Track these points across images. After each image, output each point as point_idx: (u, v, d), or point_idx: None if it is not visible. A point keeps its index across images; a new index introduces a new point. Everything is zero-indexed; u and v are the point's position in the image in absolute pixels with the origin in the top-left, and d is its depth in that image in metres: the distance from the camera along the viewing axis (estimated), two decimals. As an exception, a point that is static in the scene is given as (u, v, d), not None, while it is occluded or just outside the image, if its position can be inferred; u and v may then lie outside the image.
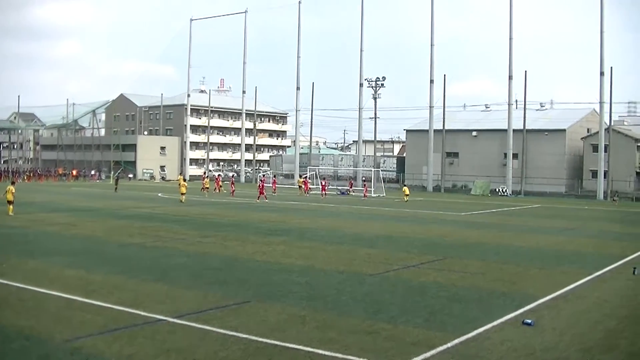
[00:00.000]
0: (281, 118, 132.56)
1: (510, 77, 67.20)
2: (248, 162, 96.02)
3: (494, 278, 15.67)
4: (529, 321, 10.93)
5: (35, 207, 35.32)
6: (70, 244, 20.65)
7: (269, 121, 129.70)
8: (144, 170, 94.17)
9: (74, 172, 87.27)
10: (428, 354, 9.14)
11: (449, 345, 9.59)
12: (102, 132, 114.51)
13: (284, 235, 23.98)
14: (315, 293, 13.37)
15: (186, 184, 45.14)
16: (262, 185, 47.27)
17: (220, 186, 58.58)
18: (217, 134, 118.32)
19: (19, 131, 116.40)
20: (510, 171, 67.15)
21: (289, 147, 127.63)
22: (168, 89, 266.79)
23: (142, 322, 10.61)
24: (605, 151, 61.75)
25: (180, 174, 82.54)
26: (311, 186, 60.60)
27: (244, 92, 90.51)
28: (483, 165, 73.62)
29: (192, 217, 31.61)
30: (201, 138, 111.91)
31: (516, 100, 70.27)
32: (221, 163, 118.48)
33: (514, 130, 67.25)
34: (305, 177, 62.91)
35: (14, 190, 30.01)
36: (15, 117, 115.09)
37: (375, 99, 78.66)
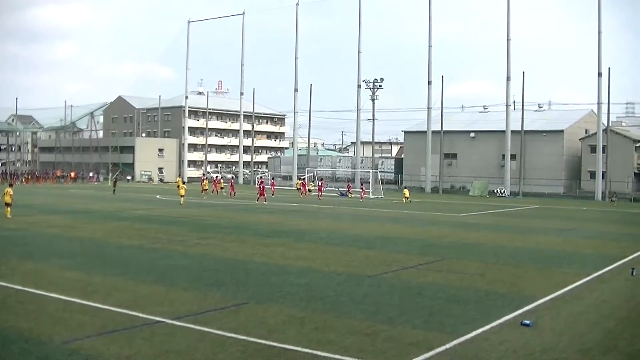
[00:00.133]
0: (279, 120, 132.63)
1: (508, 78, 67.29)
2: (246, 164, 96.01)
3: (493, 279, 15.68)
4: (528, 322, 10.94)
5: (33, 209, 35.29)
6: (69, 246, 20.64)
7: (267, 123, 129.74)
8: (142, 172, 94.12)
9: (72, 174, 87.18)
10: (427, 355, 9.15)
11: (447, 346, 9.59)
12: (100, 134, 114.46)
13: (283, 237, 23.98)
14: (314, 294, 13.37)
15: (185, 186, 45.16)
16: (263, 187, 47.26)
17: (222, 187, 58.55)
18: (215, 135, 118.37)
19: (17, 133, 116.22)
20: (508, 172, 67.18)
21: (287, 148, 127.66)
22: (166, 91, 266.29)
23: (141, 323, 10.61)
24: (604, 152, 61.82)
25: (179, 176, 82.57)
26: (309, 188, 60.53)
27: (241, 93, 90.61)
28: (481, 166, 73.68)
29: (191, 218, 31.59)
30: (199, 140, 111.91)
31: (514, 102, 70.48)
32: (219, 165, 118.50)
33: (512, 132, 67.30)
34: (304, 178, 62.91)
35: (11, 193, 29.99)
36: (13, 119, 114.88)
37: (373, 100, 78.85)
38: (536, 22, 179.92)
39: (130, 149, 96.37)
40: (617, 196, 57.82)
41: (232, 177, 79.11)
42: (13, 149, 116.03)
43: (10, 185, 31.76)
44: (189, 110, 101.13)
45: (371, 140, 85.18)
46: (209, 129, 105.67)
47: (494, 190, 66.20)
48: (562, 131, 71.42)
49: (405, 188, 54.66)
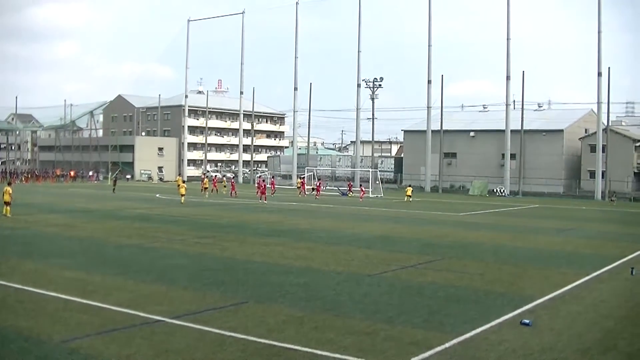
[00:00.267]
0: (279, 119, 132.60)
1: (507, 78, 67.29)
2: (246, 163, 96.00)
3: (492, 278, 15.69)
4: (527, 321, 10.95)
5: (33, 208, 35.28)
6: (69, 245, 20.64)
7: (266, 122, 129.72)
8: (142, 171, 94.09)
9: (72, 173, 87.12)
10: (426, 354, 9.15)
11: (447, 345, 9.60)
12: (100, 133, 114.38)
13: (282, 236, 23.99)
14: (314, 294, 13.37)
15: (185, 185, 45.19)
16: (264, 186, 47.21)
17: (225, 185, 58.56)
18: (215, 134, 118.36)
19: (17, 132, 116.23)
20: (508, 171, 67.19)
21: (286, 147, 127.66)
22: (166, 90, 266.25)
23: (140, 322, 10.61)
24: (603, 151, 61.80)
25: (179, 174, 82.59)
26: (308, 187, 60.47)
27: (241, 92, 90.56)
28: (481, 165, 73.68)
29: (190, 218, 31.60)
30: (199, 139, 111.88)
31: (514, 101, 70.49)
32: (219, 164, 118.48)
33: (511, 131, 67.29)
34: (304, 177, 62.91)
35: (10, 191, 29.95)
36: (12, 118, 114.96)
37: (372, 99, 78.78)
38: (536, 21, 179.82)
39: (130, 148, 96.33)
40: (617, 196, 57.83)
41: (233, 177, 79.15)
42: (13, 147, 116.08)
43: (9, 184, 31.73)
44: (188, 109, 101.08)
45: (371, 139, 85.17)
46: (209, 128, 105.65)
47: (493, 190, 66.21)
48: (561, 130, 71.44)
49: (409, 186, 54.70)
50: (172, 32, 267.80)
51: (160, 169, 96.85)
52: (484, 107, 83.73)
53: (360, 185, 58.59)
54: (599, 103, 61.98)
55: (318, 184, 56.50)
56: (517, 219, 35.19)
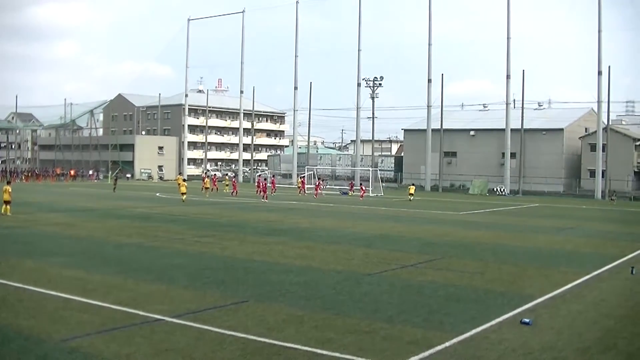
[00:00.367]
0: (279, 118, 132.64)
1: (508, 77, 67.29)
2: (246, 162, 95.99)
3: (492, 278, 15.69)
4: (527, 321, 10.94)
5: (33, 207, 35.27)
6: (69, 244, 20.64)
7: (266, 121, 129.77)
8: (142, 170, 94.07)
9: (72, 172, 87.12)
10: (426, 354, 9.15)
11: (447, 344, 9.60)
12: (100, 132, 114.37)
13: (282, 235, 23.99)
14: (313, 293, 13.37)
15: (186, 184, 45.20)
16: (265, 185, 47.15)
17: (227, 185, 58.55)
18: (215, 133, 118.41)
19: (17, 131, 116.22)
20: (508, 170, 67.21)
21: (286, 146, 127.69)
22: (166, 89, 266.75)
23: (140, 321, 10.61)
24: (603, 150, 61.81)
25: (180, 173, 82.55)
26: (308, 186, 60.48)
27: (241, 91, 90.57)
28: (481, 164, 73.69)
29: (190, 216, 31.60)
30: (199, 138, 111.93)
31: (514, 100, 70.49)
32: (219, 163, 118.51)
33: (511, 130, 67.30)
34: (304, 176, 62.92)
35: (10, 190, 29.92)
36: (13, 117, 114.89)
37: (373, 98, 78.75)
38: (536, 20, 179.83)
39: (130, 147, 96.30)
40: (617, 195, 57.84)
41: (235, 176, 79.21)
42: (13, 146, 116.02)
43: (9, 183, 31.68)
44: (188, 108, 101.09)
45: (371, 138, 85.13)
46: (209, 127, 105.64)
47: (493, 189, 66.24)
48: (562, 129, 71.44)
49: (412, 185, 54.79)
50: (172, 31, 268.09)
51: (160, 168, 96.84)
52: (484, 106, 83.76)
53: (361, 184, 58.56)
54: (599, 102, 61.97)
55: (317, 183, 56.49)
56: (517, 218, 35.19)
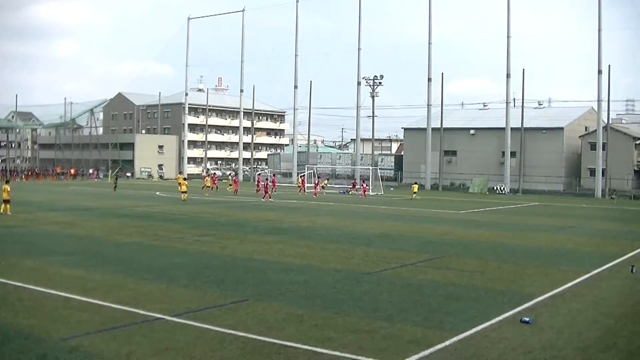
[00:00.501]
0: (279, 117, 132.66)
1: (508, 76, 67.24)
2: (246, 161, 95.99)
3: (492, 276, 15.69)
4: (527, 319, 10.95)
5: (33, 206, 35.26)
6: (69, 243, 20.63)
7: (266, 120, 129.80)
8: (142, 169, 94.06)
9: (72, 171, 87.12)
10: (426, 352, 9.15)
11: (446, 343, 9.60)
12: (100, 131, 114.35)
13: (282, 234, 23.99)
14: (313, 292, 13.37)
15: (186, 182, 45.22)
16: (266, 185, 47.15)
17: (230, 185, 58.50)
18: (215, 132, 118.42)
19: (17, 130, 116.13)
20: (508, 169, 67.18)
21: (286, 145, 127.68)
22: (166, 87, 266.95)
23: (140, 320, 10.62)
24: (603, 149, 61.79)
25: (180, 172, 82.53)
26: (308, 185, 60.44)
27: (241, 90, 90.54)
28: (481, 163, 73.68)
29: (190, 216, 31.60)
30: (199, 137, 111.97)
31: (514, 99, 70.41)
32: (219, 162, 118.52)
33: (512, 129, 67.27)
34: (303, 175, 62.91)
35: (9, 189, 29.87)
36: (13, 116, 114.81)
37: (373, 97, 78.71)
38: (536, 19, 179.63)
39: (130, 146, 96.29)
40: (617, 193, 57.82)
41: (236, 174, 79.24)
42: (13, 145, 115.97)
43: (7, 182, 31.61)
44: (189, 107, 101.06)
45: (371, 137, 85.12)
46: (209, 126, 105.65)
47: (493, 188, 66.22)
48: (562, 128, 71.43)
49: (414, 183, 54.82)
50: (172, 30, 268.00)
51: (160, 166, 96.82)
52: (484, 105, 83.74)
53: (363, 183, 58.55)
54: (599, 101, 61.94)
55: (316, 182, 56.45)
56: (517, 217, 35.19)
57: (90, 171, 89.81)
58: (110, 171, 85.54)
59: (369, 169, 68.19)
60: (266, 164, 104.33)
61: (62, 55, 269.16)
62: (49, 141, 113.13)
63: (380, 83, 78.33)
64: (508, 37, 66.80)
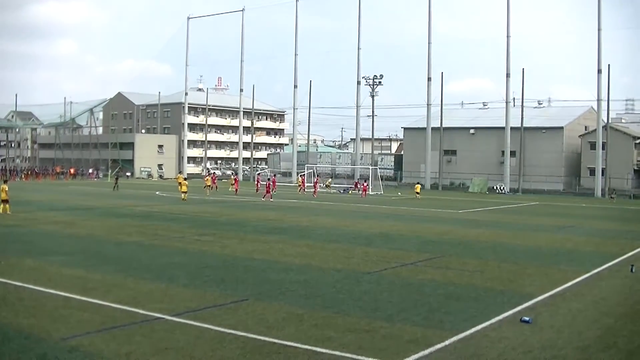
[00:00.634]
0: (279, 116, 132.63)
1: (507, 75, 67.25)
2: (246, 161, 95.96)
3: (492, 276, 15.69)
4: (527, 319, 10.95)
5: (33, 205, 35.24)
6: (68, 242, 20.63)
7: (266, 119, 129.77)
8: (142, 169, 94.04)
9: (72, 171, 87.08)
10: (426, 352, 9.15)
11: (446, 343, 9.60)
12: (100, 130, 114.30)
13: (282, 234, 23.99)
14: (313, 291, 13.37)
15: (187, 182, 45.21)
16: (268, 184, 47.13)
17: (232, 184, 58.38)
18: (215, 132, 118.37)
19: (17, 130, 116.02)
20: (507, 169, 67.19)
21: (286, 145, 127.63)
22: (165, 87, 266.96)
23: (140, 320, 10.62)
24: (603, 149, 61.81)
25: (180, 172, 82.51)
26: (308, 184, 60.43)
27: (241, 90, 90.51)
28: (481, 163, 73.68)
29: (190, 215, 31.60)
30: (199, 136, 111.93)
31: (514, 98, 70.48)
32: (219, 161, 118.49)
33: (511, 128, 67.28)
34: (303, 175, 62.92)
35: (7, 189, 29.82)
36: (12, 116, 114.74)
37: (372, 96, 78.66)
38: (536, 19, 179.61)
39: (130, 146, 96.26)
40: (617, 193, 57.85)
41: (237, 174, 79.27)
42: (13, 145, 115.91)
43: (5, 182, 31.56)
44: (188, 107, 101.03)
45: (371, 136, 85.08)
46: (209, 126, 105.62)
47: (493, 187, 66.23)
48: (561, 128, 71.44)
49: (417, 183, 54.88)
50: (171, 29, 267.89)
51: (160, 166, 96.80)
52: (484, 105, 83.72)
53: (364, 182, 58.55)
54: (598, 100, 61.96)
55: (315, 182, 56.41)
56: (517, 217, 35.20)
57: (90, 171, 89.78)
58: (110, 171, 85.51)
59: (368, 168, 68.18)
60: (266, 164, 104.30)
61: (62, 54, 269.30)
62: (48, 141, 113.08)
63: (380, 82, 78.29)
64: (508, 36, 66.84)
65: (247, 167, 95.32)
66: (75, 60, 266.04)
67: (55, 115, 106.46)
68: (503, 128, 67.77)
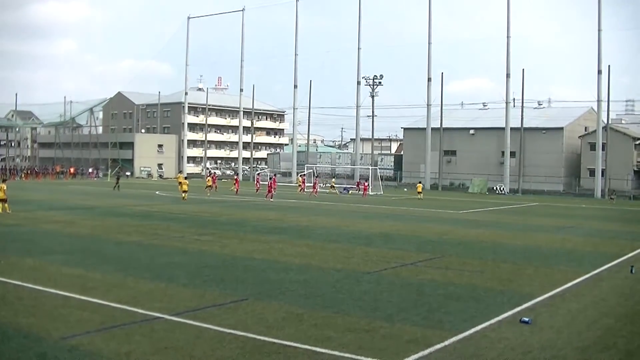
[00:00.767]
0: (279, 116, 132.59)
1: (507, 76, 67.28)
2: (245, 160, 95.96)
3: (492, 276, 15.69)
4: (527, 319, 10.95)
5: (32, 205, 35.22)
6: (68, 242, 20.62)
7: (266, 119, 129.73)
8: (142, 168, 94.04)
9: (72, 170, 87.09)
10: (425, 352, 9.15)
11: (446, 343, 9.60)
12: (100, 130, 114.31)
13: (282, 234, 23.99)
14: (313, 291, 13.37)
15: (187, 182, 45.21)
16: (269, 184, 47.12)
17: (234, 183, 58.31)
18: (215, 132, 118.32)
19: (17, 129, 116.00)
20: (507, 169, 67.21)
21: (286, 145, 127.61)
22: (165, 87, 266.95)
23: (140, 319, 10.61)
24: (603, 150, 61.82)
25: (180, 171, 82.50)
26: (308, 184, 60.42)
27: (241, 90, 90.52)
28: (481, 163, 73.69)
29: (190, 215, 31.60)
30: (199, 136, 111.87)
31: (514, 99, 70.54)
32: (218, 161, 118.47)
33: (511, 129, 67.30)
34: (303, 175, 62.92)
35: (5, 188, 29.77)
36: (12, 115, 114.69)
37: (372, 97, 78.66)
38: (536, 19, 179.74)
39: (130, 145, 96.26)
40: (617, 194, 57.88)
41: (237, 174, 79.28)
42: (12, 144, 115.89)
43: (4, 181, 31.51)
44: (188, 106, 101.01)
45: (371, 136, 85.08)
46: (209, 125, 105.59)
47: (493, 188, 66.23)
48: (561, 128, 71.46)
49: (419, 183, 54.94)
50: (171, 29, 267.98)
51: (160, 166, 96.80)
52: (484, 105, 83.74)
53: (365, 182, 58.56)
54: (599, 101, 61.99)
55: (315, 182, 56.42)
56: (517, 217, 35.20)
57: (90, 170, 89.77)
58: (110, 170, 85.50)
59: (368, 168, 68.19)
60: (266, 164, 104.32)
61: (62, 54, 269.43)
62: (48, 140, 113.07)
63: (380, 83, 78.29)
64: (508, 37, 66.87)
65: (247, 167, 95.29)
66: (75, 60, 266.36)
67: (55, 115, 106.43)
68: (503, 128, 67.79)
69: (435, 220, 31.69)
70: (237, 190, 53.07)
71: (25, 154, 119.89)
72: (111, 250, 19.01)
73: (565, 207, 45.73)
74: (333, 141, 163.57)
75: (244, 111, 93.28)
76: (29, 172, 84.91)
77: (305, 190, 56.21)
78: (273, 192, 46.18)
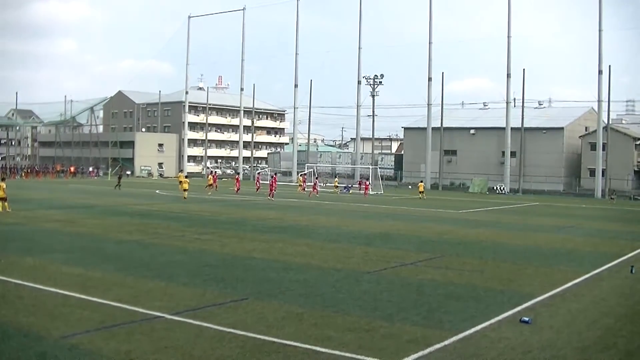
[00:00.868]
0: (279, 115, 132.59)
1: (508, 75, 67.29)
2: (246, 160, 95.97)
3: (492, 276, 15.68)
4: (527, 319, 10.94)
5: (33, 204, 35.21)
6: (68, 240, 20.62)
7: (267, 118, 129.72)
8: (142, 167, 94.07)
9: (72, 169, 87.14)
10: (425, 352, 9.15)
11: (446, 343, 9.60)
12: (100, 129, 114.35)
13: (282, 233, 23.99)
14: (313, 290, 13.37)
15: (188, 180, 45.21)
16: (271, 183, 47.10)
17: (236, 184, 58.26)
18: (215, 131, 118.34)
19: (17, 128, 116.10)
20: (508, 169, 67.22)
21: (286, 144, 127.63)
22: (166, 86, 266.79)
23: (140, 318, 10.61)
24: (603, 150, 61.84)
25: (181, 170, 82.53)
26: (308, 183, 60.39)
27: (242, 89, 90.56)
28: (481, 163, 73.71)
29: (191, 214, 31.60)
30: (199, 135, 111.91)
31: (514, 99, 70.58)
32: (219, 160, 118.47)
33: (512, 129, 67.35)
34: (303, 174, 62.91)
35: (4, 187, 29.75)
36: (13, 114, 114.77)
37: (373, 96, 78.67)
38: (537, 19, 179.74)
39: (130, 144, 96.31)
40: (617, 194, 57.89)
41: (237, 174, 79.26)
42: (13, 143, 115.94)
43: (3, 180, 31.46)
44: (189, 106, 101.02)
45: (371, 136, 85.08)
46: (209, 124, 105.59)
47: (493, 187, 66.25)
48: (562, 128, 71.47)
49: (421, 182, 54.90)
50: (172, 28, 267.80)
51: (160, 165, 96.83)
52: (485, 105, 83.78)
53: (366, 182, 58.56)
54: (599, 101, 62.01)
55: (315, 182, 56.39)
56: (517, 217, 35.19)
57: (90, 169, 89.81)
58: (110, 169, 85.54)
59: (369, 168, 68.19)
60: (266, 163, 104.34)
61: (63, 53, 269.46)
62: (49, 139, 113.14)
63: (380, 82, 78.31)
64: (508, 37, 66.88)
65: (247, 166, 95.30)
66: (75, 59, 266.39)
67: (55, 114, 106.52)
68: (503, 128, 67.80)
69: (435, 220, 31.69)
70: (237, 189, 53.05)
71: (26, 153, 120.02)
72: (111, 249, 19.01)
73: (565, 207, 45.73)
74: (333, 140, 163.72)
75: (244, 110, 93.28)
76: (29, 170, 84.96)
77: (306, 189, 56.18)
78: (274, 191, 46.17)
